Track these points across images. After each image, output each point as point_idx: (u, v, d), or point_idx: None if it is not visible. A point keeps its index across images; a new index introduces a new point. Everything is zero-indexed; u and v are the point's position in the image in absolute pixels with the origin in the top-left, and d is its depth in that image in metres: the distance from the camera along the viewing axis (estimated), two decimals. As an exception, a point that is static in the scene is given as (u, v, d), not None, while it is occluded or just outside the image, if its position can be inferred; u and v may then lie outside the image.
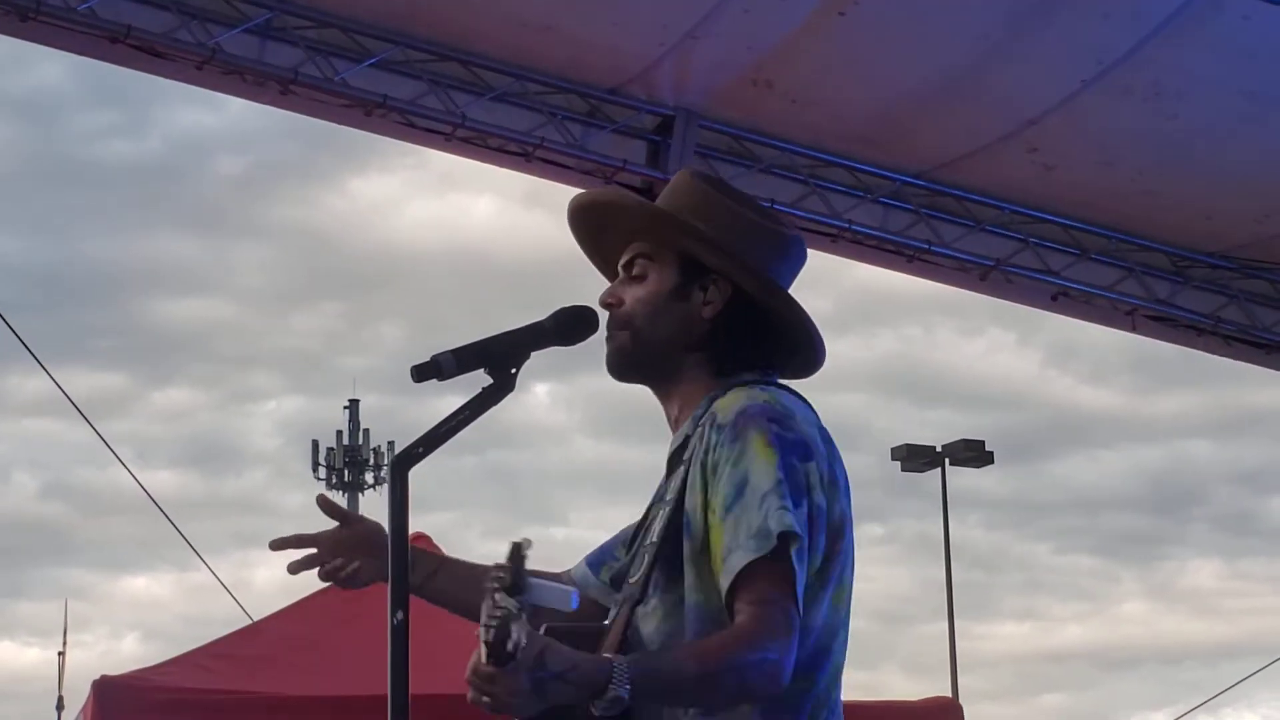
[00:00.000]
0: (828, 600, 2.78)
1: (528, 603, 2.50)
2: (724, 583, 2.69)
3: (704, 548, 2.73)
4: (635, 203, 3.03)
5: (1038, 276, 7.87)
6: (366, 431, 42.04)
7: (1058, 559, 48.93)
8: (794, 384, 2.98)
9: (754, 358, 2.91)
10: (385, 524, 2.79)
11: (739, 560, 2.67)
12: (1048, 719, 46.10)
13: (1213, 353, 8.40)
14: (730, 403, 2.79)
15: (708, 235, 2.89)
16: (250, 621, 9.29)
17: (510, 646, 2.47)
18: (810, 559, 2.73)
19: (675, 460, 2.86)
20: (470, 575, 3.12)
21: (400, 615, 2.71)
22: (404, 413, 44.39)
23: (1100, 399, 49.12)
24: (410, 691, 2.75)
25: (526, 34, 6.82)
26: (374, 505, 41.24)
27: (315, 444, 41.97)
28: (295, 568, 3.20)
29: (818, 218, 7.39)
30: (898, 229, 7.64)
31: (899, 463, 27.90)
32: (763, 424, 2.74)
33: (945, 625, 26.29)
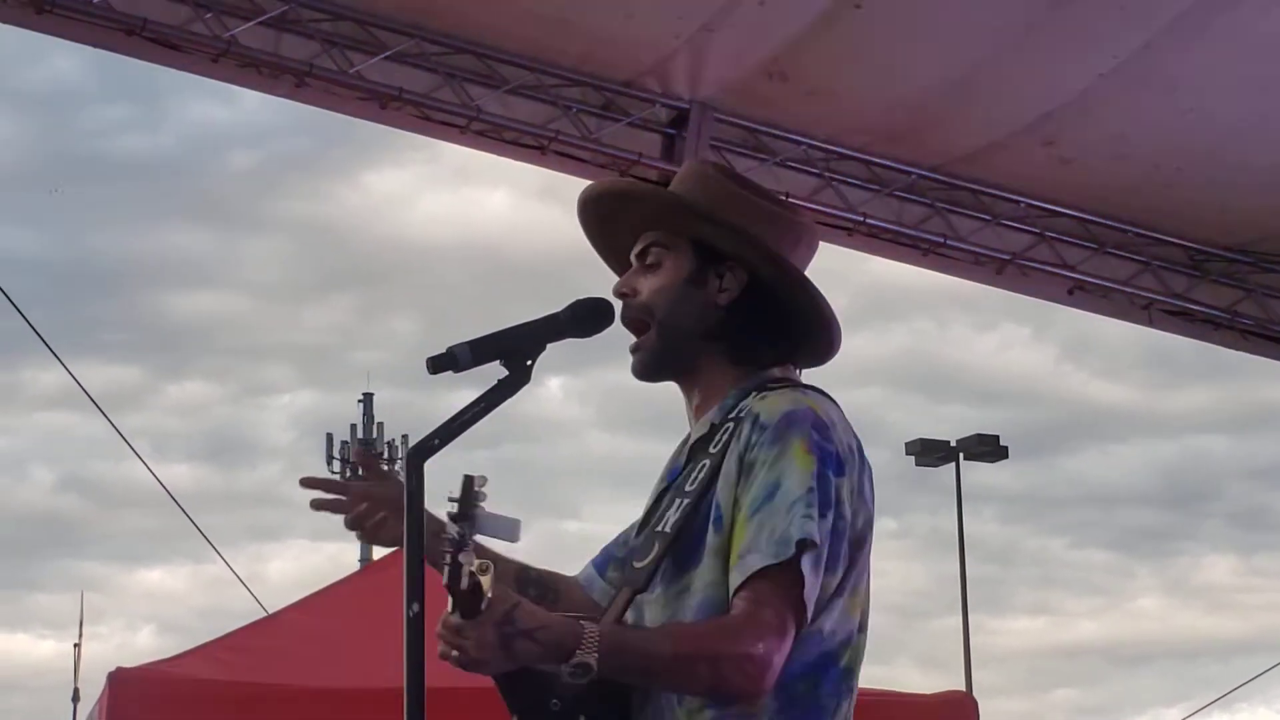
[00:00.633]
0: (839, 608, 2.78)
1: (476, 532, 2.50)
2: (734, 579, 2.69)
3: (729, 543, 2.73)
4: (648, 190, 3.04)
5: (1054, 270, 7.86)
6: (381, 425, 41.96)
7: (1072, 554, 48.78)
8: (814, 373, 2.98)
9: (771, 344, 2.91)
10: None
11: (755, 562, 2.67)
12: (1061, 714, 46.02)
13: (1229, 347, 8.38)
14: (775, 404, 2.78)
15: (721, 220, 2.89)
16: (265, 614, 9.31)
17: (465, 584, 2.45)
18: (831, 570, 2.73)
19: (699, 451, 2.85)
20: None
21: (416, 607, 2.72)
22: (418, 406, 44.35)
23: (1115, 394, 48.96)
24: (426, 684, 2.75)
25: (541, 27, 6.81)
26: (388, 499, 41.01)
27: (329, 437, 41.89)
28: (319, 504, 3.13)
29: (833, 211, 7.38)
30: (913, 223, 7.63)
31: (913, 457, 27.90)
32: (806, 430, 2.74)
33: (959, 620, 26.32)
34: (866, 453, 2.88)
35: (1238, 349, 8.38)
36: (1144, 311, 8.14)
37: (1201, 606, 49.05)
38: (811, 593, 2.68)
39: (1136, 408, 48.55)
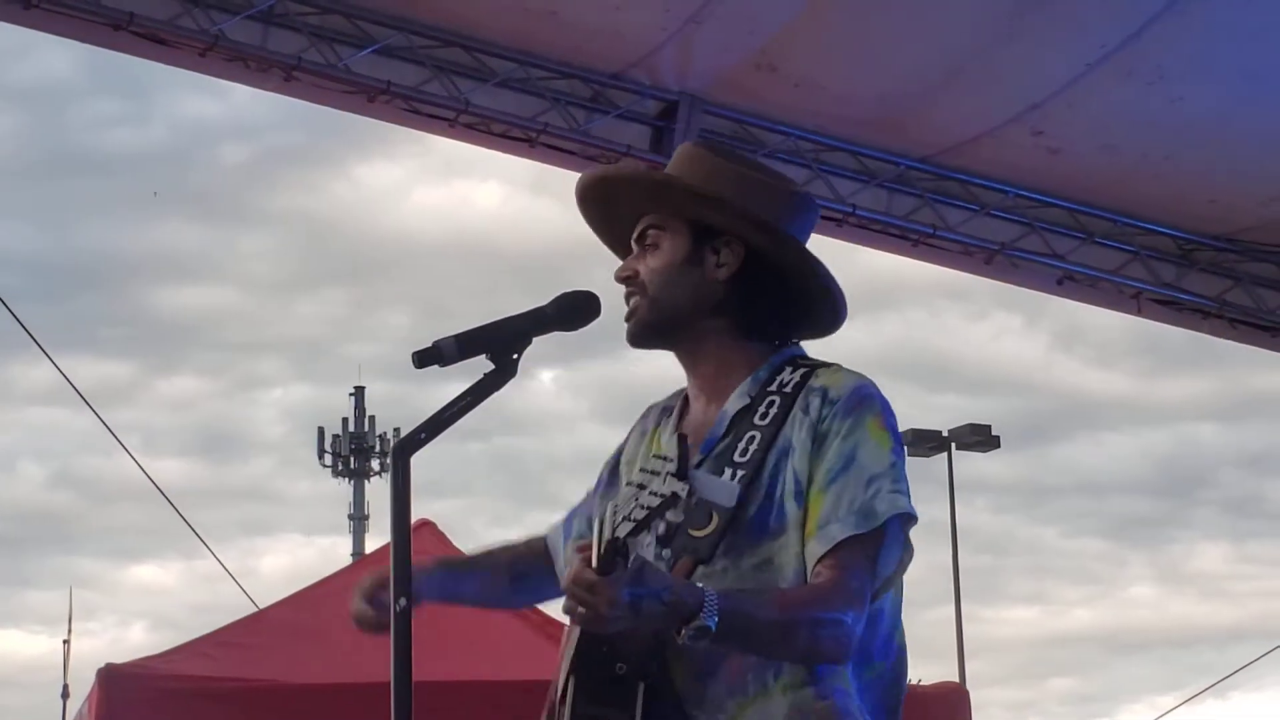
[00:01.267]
0: (895, 587, 2.84)
1: (693, 491, 2.64)
2: (816, 548, 2.72)
3: (806, 514, 2.75)
4: (636, 174, 3.04)
5: (1043, 260, 7.87)
6: (372, 419, 41.93)
7: (1065, 543, 48.82)
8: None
9: (775, 316, 2.92)
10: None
11: (839, 531, 2.71)
12: (1056, 703, 46.09)
13: (1218, 336, 8.39)
14: (840, 379, 2.83)
15: (713, 195, 2.90)
16: (256, 609, 9.30)
17: (605, 547, 2.53)
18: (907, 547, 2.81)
19: (741, 422, 2.85)
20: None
21: (403, 602, 2.71)
22: (410, 400, 44.38)
23: (1106, 383, 48.99)
24: (414, 678, 2.75)
25: (529, 19, 6.81)
26: (380, 492, 41.13)
27: (321, 431, 41.84)
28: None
29: (822, 202, 7.37)
30: (902, 213, 7.63)
31: (905, 447, 27.82)
32: (877, 406, 2.82)
33: (952, 610, 26.29)
34: None
35: (1227, 338, 8.39)
36: (1133, 301, 8.15)
37: (1195, 594, 49.13)
38: (892, 567, 2.77)
39: (1128, 396, 48.60)
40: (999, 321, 51.55)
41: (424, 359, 2.78)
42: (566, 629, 2.78)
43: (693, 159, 3.00)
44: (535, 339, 2.84)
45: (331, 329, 53.96)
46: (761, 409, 2.84)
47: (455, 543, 8.82)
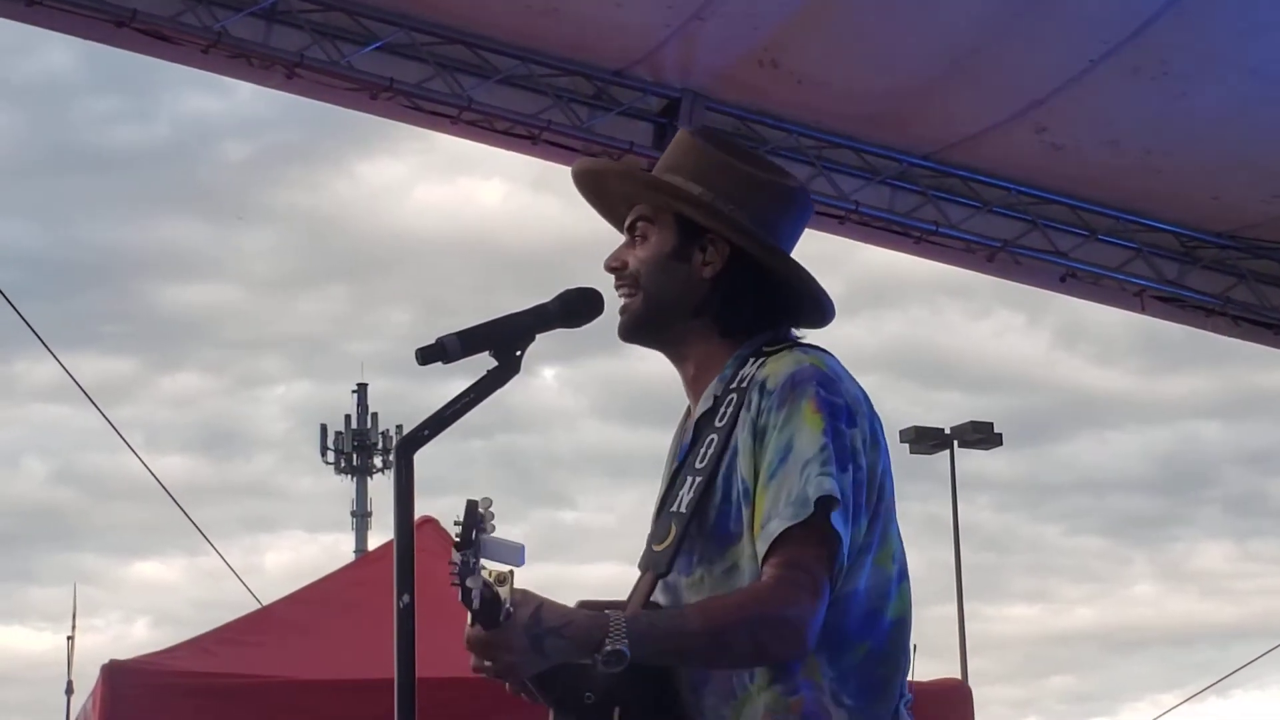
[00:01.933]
0: (869, 563, 2.77)
1: (481, 556, 2.52)
2: (760, 548, 2.70)
3: (754, 514, 2.73)
4: (624, 169, 3.03)
5: (1046, 257, 7.86)
6: (375, 415, 41.93)
7: (1067, 541, 48.80)
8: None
9: (759, 316, 2.91)
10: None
11: (776, 527, 2.68)
12: (1057, 700, 46.09)
13: (1221, 333, 8.38)
14: (778, 368, 2.79)
15: (695, 198, 2.89)
16: (259, 606, 9.30)
17: (476, 604, 2.49)
18: (856, 522, 2.73)
19: (705, 426, 2.85)
20: None
21: (406, 598, 2.71)
22: (412, 397, 44.35)
23: (1109, 380, 48.97)
24: (417, 674, 2.75)
25: (531, 16, 6.81)
26: (383, 489, 41.16)
27: (324, 428, 41.87)
28: None
29: (824, 199, 7.38)
30: (905, 210, 7.63)
31: (907, 445, 27.84)
32: (811, 389, 2.74)
33: (954, 607, 26.29)
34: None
35: (1230, 335, 8.38)
36: (1136, 298, 8.14)
37: (1196, 592, 49.12)
38: (843, 548, 2.69)
39: (1130, 394, 48.60)
40: (1001, 319, 51.58)
41: (428, 355, 2.78)
42: None
43: (687, 150, 2.98)
44: (538, 335, 2.84)
45: (334, 326, 54.02)
46: (721, 409, 2.82)
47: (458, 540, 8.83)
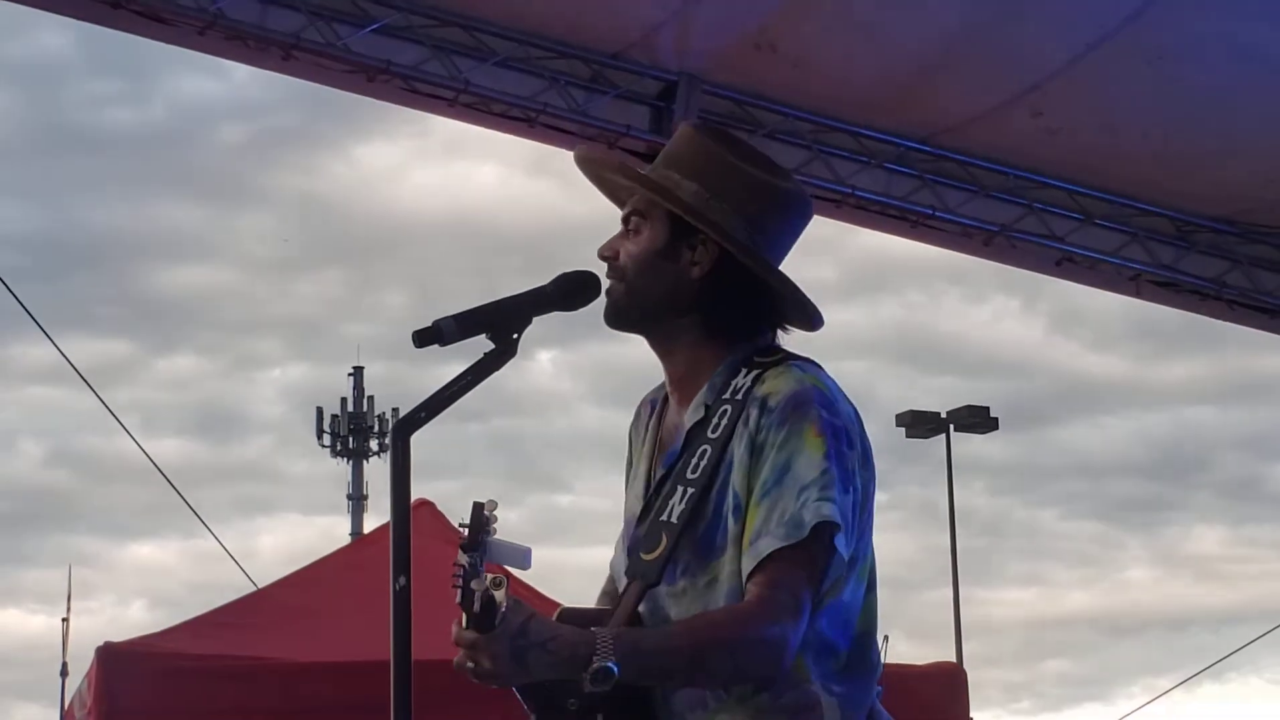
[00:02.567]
0: (854, 577, 2.81)
1: (485, 560, 2.52)
2: (747, 564, 2.71)
3: (743, 529, 2.74)
4: (618, 164, 3.02)
5: (1042, 242, 7.86)
6: (371, 399, 41.97)
7: (1062, 525, 48.85)
8: (804, 344, 2.97)
9: (748, 318, 2.90)
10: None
11: (766, 546, 2.69)
12: (1052, 684, 46.14)
13: (1217, 318, 8.39)
14: (779, 385, 2.79)
15: (684, 200, 2.88)
16: (255, 588, 9.31)
17: (478, 607, 2.49)
18: (851, 542, 2.76)
19: (696, 436, 2.85)
20: None
21: (402, 581, 2.72)
22: (408, 380, 44.36)
23: (1105, 365, 48.98)
24: (413, 656, 2.75)
25: (529, -1, 6.80)
26: (378, 472, 41.19)
27: (320, 411, 41.87)
28: None
29: (821, 183, 7.38)
30: (901, 194, 7.62)
31: (903, 429, 27.90)
32: (814, 411, 2.76)
33: (950, 591, 26.34)
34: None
35: (1226, 320, 8.39)
36: (1132, 283, 8.14)
37: (1191, 577, 49.16)
38: (828, 572, 2.72)
39: (1126, 379, 48.60)
40: (997, 304, 51.58)
41: (424, 338, 2.78)
42: None
43: (688, 145, 2.98)
44: (535, 318, 2.84)
45: (330, 309, 53.99)
46: (714, 420, 2.82)
47: (454, 523, 8.84)
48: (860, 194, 7.52)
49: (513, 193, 50.92)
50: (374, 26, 6.76)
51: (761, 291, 2.90)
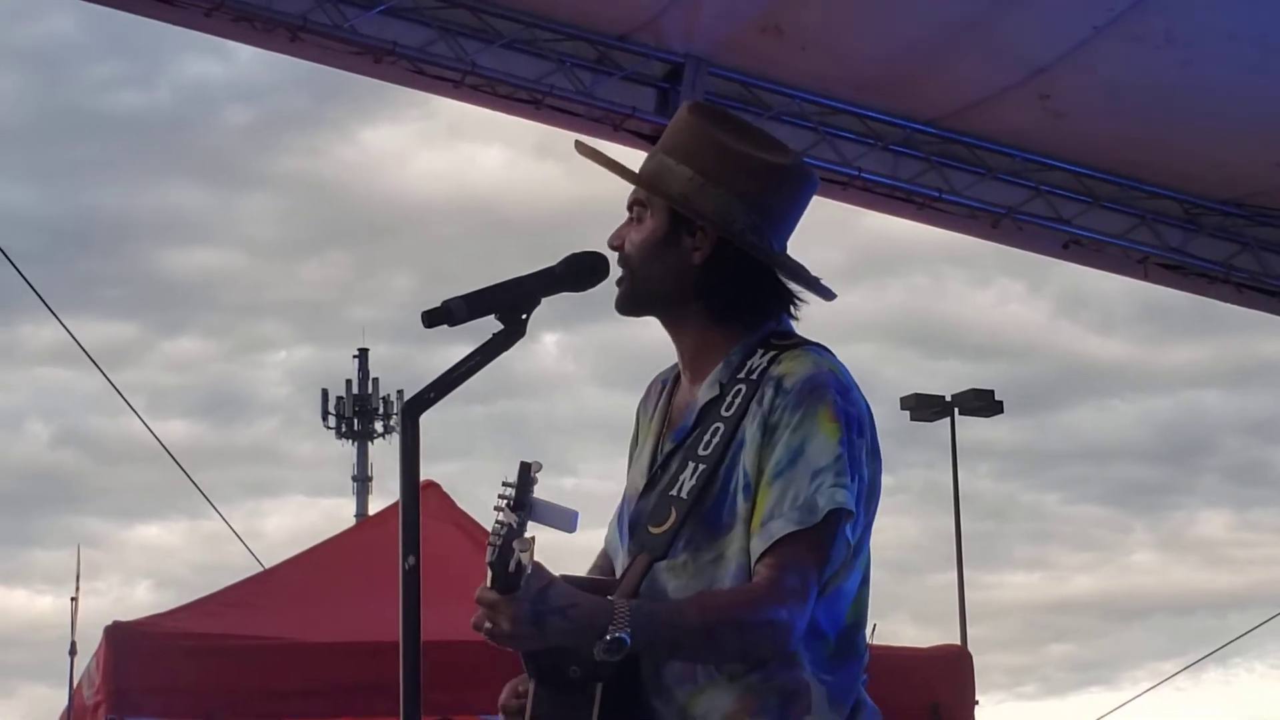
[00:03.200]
0: (856, 567, 2.83)
1: (530, 520, 2.53)
2: (757, 545, 2.72)
3: (753, 509, 2.76)
4: (607, 161, 3.01)
5: (1048, 224, 7.85)
6: (376, 381, 41.95)
7: (1067, 509, 48.82)
8: (810, 327, 2.97)
9: (755, 300, 2.91)
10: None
11: (779, 528, 2.71)
12: (1056, 668, 46.18)
13: (1224, 301, 8.38)
14: (796, 367, 2.80)
15: (674, 193, 2.89)
16: (262, 569, 9.33)
17: (513, 567, 2.50)
18: (856, 531, 2.79)
19: (709, 413, 2.86)
20: None
21: (411, 560, 2.73)
22: (413, 362, 44.34)
23: (1110, 348, 48.97)
24: (422, 637, 2.76)
25: (536, -20, 6.79)
26: (384, 454, 41.24)
27: (325, 393, 41.86)
28: None
29: (827, 165, 7.37)
30: (908, 177, 7.61)
31: (908, 412, 27.86)
32: (830, 396, 2.77)
33: (954, 575, 26.33)
34: None
35: (1233, 303, 8.38)
36: (1139, 265, 8.13)
37: (1197, 561, 49.17)
38: (837, 558, 2.75)
39: (1132, 362, 48.59)
40: (1003, 287, 51.55)
41: (433, 318, 2.78)
42: None
43: (683, 129, 2.97)
44: (544, 299, 2.85)
45: (335, 291, 54.03)
46: (729, 399, 2.83)
47: (459, 505, 8.85)
48: (867, 176, 7.52)
49: (518, 175, 50.95)
50: (381, 8, 6.76)
51: (765, 271, 2.91)
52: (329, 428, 41.79)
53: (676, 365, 3.01)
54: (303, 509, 51.80)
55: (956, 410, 27.69)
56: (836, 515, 2.72)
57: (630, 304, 2.94)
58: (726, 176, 2.89)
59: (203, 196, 51.97)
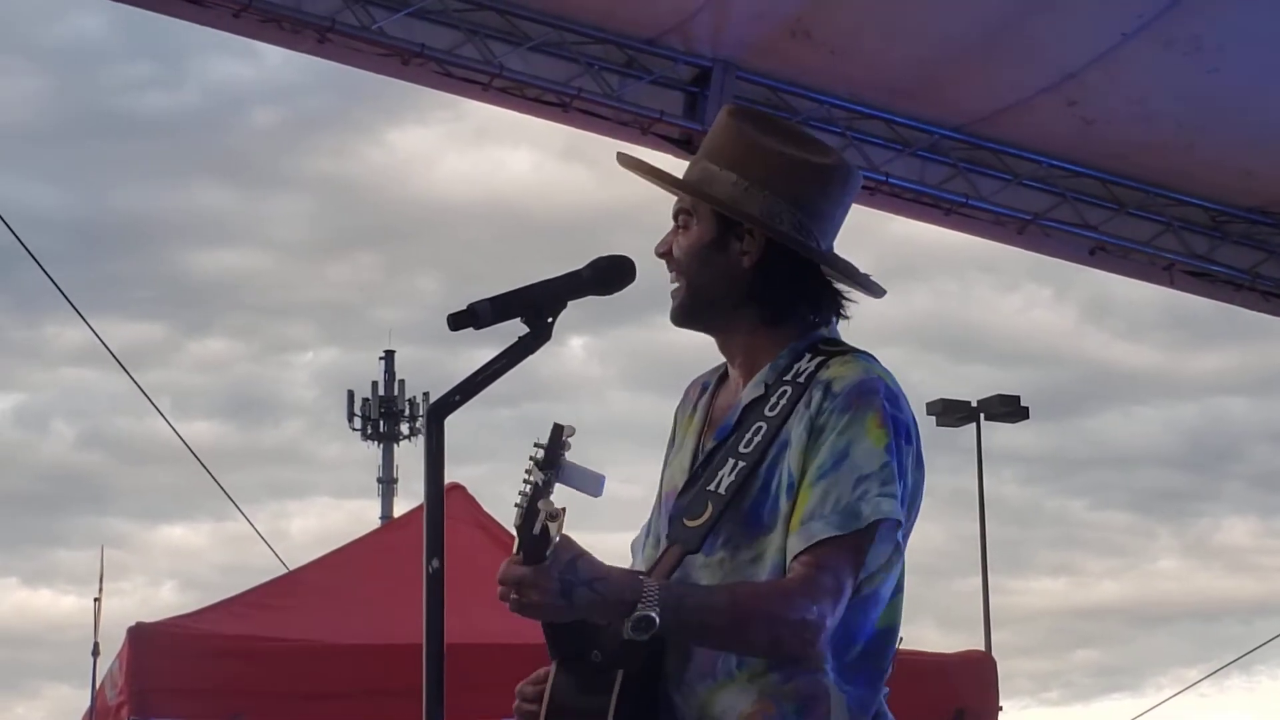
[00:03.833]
0: (891, 575, 2.83)
1: (558, 482, 2.53)
2: (795, 543, 2.72)
3: (794, 508, 2.76)
4: (651, 171, 3.02)
5: (1075, 231, 7.83)
6: (402, 383, 42.03)
7: (1092, 515, 48.73)
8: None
9: (800, 302, 2.91)
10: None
11: (819, 530, 2.71)
12: (1081, 674, 46.06)
13: (1250, 308, 8.35)
14: (846, 372, 2.81)
15: (720, 198, 2.89)
16: (286, 570, 9.34)
17: (538, 530, 2.49)
18: (897, 537, 2.79)
19: (753, 413, 2.86)
20: None
21: (435, 563, 2.73)
22: (439, 365, 44.43)
23: (1136, 355, 48.88)
24: (446, 640, 2.76)
25: (564, -16, 6.79)
26: (409, 456, 41.27)
27: (351, 395, 41.96)
28: None
29: (855, 170, 7.35)
30: (935, 182, 7.60)
31: (934, 418, 27.80)
32: (879, 402, 2.78)
33: (979, 580, 26.27)
34: None
35: (1259, 310, 8.35)
36: (1165, 272, 8.11)
37: (1221, 568, 49.03)
38: (875, 563, 2.75)
39: (1157, 369, 48.48)
40: (1029, 293, 51.45)
41: (459, 321, 2.79)
42: None
43: (724, 134, 2.98)
44: (570, 302, 2.84)
45: (362, 293, 54.12)
46: (773, 399, 2.84)
47: (485, 507, 8.86)
48: (894, 181, 7.51)
49: (546, 178, 50.98)
50: (409, 10, 6.77)
51: (814, 272, 2.91)
52: (355, 429, 41.89)
53: (717, 369, 3.02)
54: (328, 510, 51.90)
55: (982, 416, 27.64)
56: (878, 524, 2.72)
57: (686, 315, 2.95)
58: (771, 179, 2.90)
59: (230, 198, 52.10)
